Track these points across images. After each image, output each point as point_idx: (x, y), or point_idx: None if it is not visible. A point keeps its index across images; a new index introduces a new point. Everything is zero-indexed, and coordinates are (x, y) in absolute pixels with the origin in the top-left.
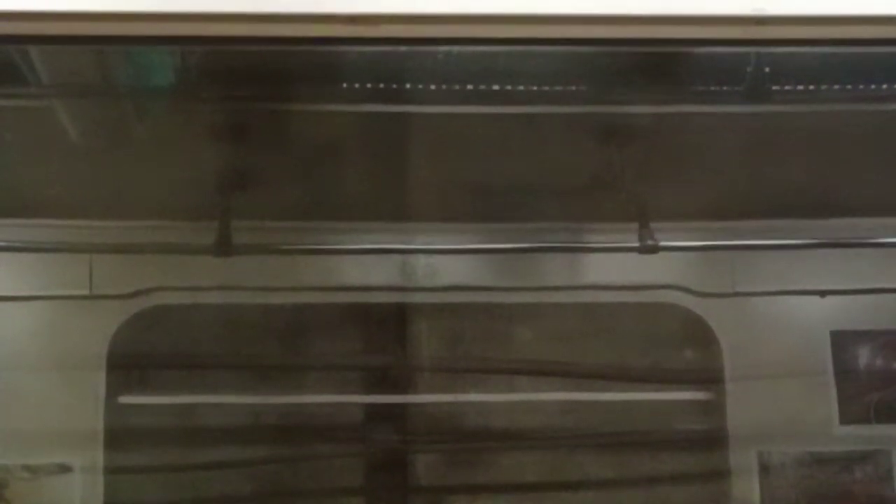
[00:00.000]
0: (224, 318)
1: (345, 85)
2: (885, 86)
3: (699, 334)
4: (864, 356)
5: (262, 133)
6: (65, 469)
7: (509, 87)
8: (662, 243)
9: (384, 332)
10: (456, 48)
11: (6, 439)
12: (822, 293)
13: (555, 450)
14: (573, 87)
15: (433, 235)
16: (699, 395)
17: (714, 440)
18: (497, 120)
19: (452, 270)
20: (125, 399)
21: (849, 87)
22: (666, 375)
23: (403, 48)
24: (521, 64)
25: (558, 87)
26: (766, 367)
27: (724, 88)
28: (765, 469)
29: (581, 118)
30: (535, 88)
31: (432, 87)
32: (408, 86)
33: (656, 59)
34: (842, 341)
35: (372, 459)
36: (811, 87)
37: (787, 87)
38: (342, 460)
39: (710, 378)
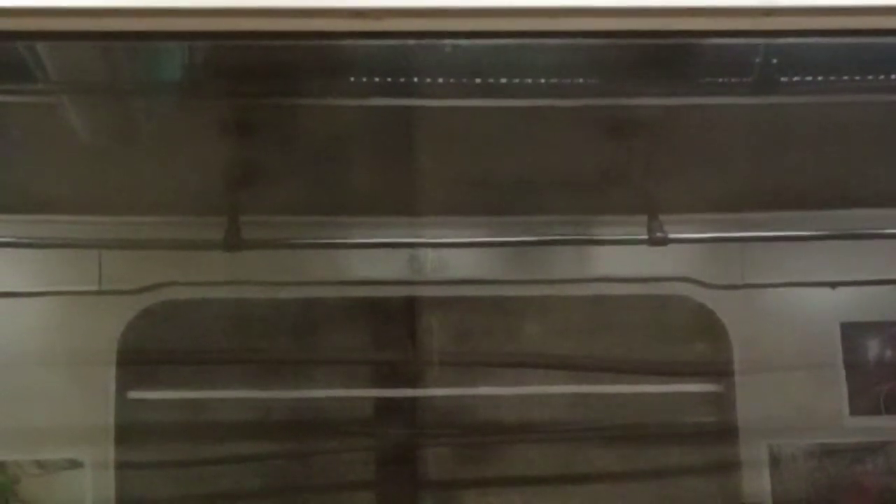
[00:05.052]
0: (234, 313)
1: (352, 79)
2: (893, 76)
3: (709, 326)
4: (874, 348)
5: (271, 128)
6: (76, 465)
7: (517, 81)
8: (672, 235)
9: (393, 327)
10: (463, 41)
11: (18, 435)
12: (833, 284)
13: (565, 443)
14: (581, 80)
15: (442, 229)
16: (709, 388)
17: (724, 432)
18: (506, 113)
19: (461, 264)
20: (135, 394)
21: (857, 77)
22: (676, 368)
23: (410, 42)
24: (529, 57)
25: (566, 80)
26: (776, 359)
27: (733, 80)
28: (775, 461)
29: (590, 111)
30: (543, 81)
31: (440, 80)
32: (415, 79)
33: (664, 51)
34: (852, 333)
35: (382, 454)
36: (819, 78)
37: (795, 78)
38: (352, 455)
39: (720, 370)
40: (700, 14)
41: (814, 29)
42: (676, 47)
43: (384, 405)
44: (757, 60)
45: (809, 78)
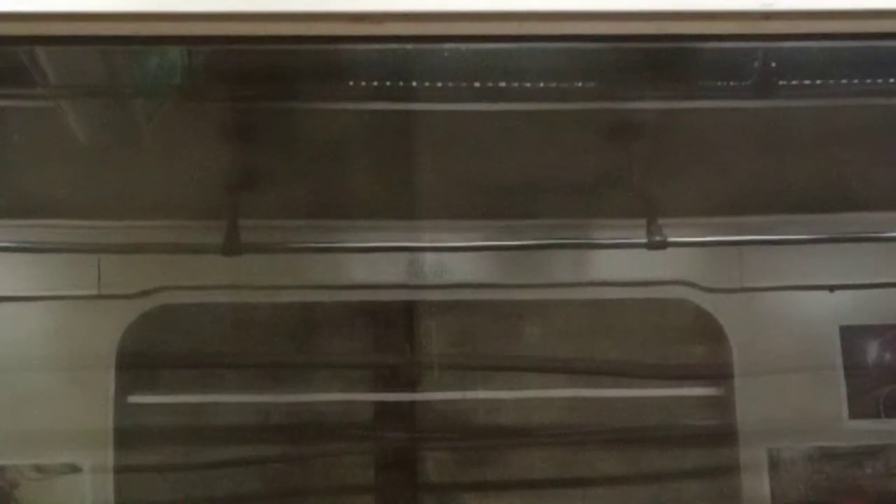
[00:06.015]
0: (233, 317)
1: (351, 83)
2: (892, 80)
3: (708, 330)
4: (873, 351)
5: (270, 132)
6: (74, 469)
7: (517, 84)
8: (671, 239)
9: (393, 330)
10: (463, 45)
11: (16, 439)
12: (831, 288)
13: (564, 447)
14: (580, 84)
15: (441, 233)
16: (708, 391)
17: (723, 436)
18: (505, 117)
19: (461, 268)
20: (134, 398)
21: (856, 81)
22: (675, 371)
23: (409, 46)
24: (528, 60)
25: (566, 84)
26: (776, 363)
27: (732, 83)
28: (774, 464)
29: (589, 114)
30: (542, 85)
31: (439, 84)
32: (415, 83)
33: (663, 54)
34: (851, 336)
35: (381, 457)
36: (818, 82)
37: (794, 82)
38: (352, 458)
39: (720, 374)
40: (699, 18)
41: (813, 32)
42: (675, 51)
43: (384, 409)
44: (756, 64)
45: (808, 81)
